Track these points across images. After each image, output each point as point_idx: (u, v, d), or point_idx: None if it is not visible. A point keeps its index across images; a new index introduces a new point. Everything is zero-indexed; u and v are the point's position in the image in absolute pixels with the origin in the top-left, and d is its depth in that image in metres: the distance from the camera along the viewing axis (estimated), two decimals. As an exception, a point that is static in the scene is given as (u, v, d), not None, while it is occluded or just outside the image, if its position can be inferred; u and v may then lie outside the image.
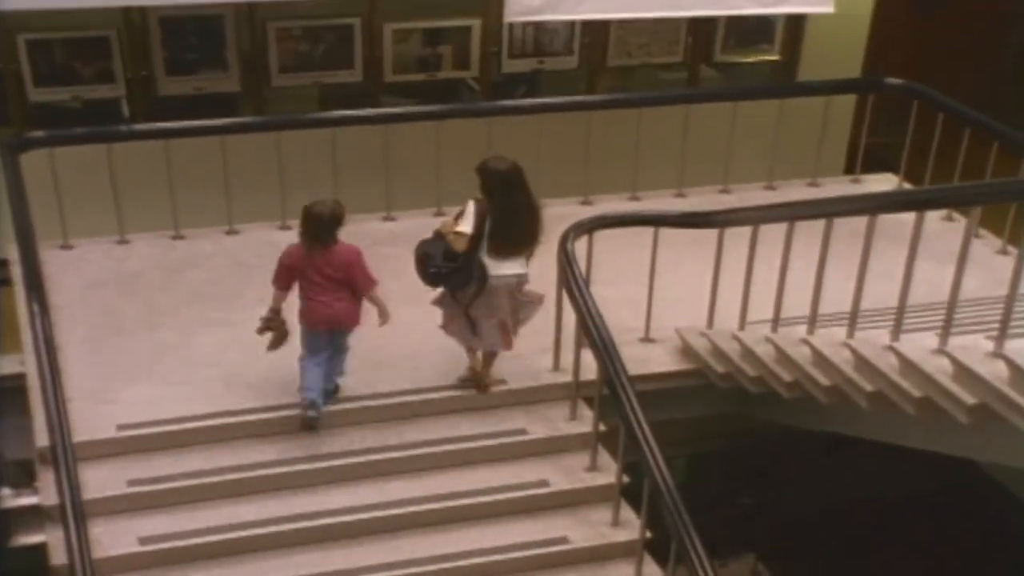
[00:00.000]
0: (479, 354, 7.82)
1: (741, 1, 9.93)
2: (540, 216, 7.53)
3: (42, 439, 6.77)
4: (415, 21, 11.47)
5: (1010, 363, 5.35)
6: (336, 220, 7.38)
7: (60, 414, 6.46)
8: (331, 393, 7.62)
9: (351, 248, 7.50)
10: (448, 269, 7.52)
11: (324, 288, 7.40)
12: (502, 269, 7.43)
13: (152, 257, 9.45)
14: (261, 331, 7.50)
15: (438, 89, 11.67)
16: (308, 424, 7.43)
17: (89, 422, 7.16)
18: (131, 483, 7.02)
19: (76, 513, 6.05)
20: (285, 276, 7.49)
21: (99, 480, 6.92)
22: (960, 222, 9.50)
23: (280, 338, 7.52)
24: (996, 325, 5.70)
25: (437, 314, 8.19)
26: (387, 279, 9.01)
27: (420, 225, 9.87)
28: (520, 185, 7.54)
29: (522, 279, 7.51)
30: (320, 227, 7.35)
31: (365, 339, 8.00)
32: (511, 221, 7.45)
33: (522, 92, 12.04)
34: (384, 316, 7.56)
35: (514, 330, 7.69)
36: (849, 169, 11.38)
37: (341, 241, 7.46)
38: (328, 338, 7.53)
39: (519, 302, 7.59)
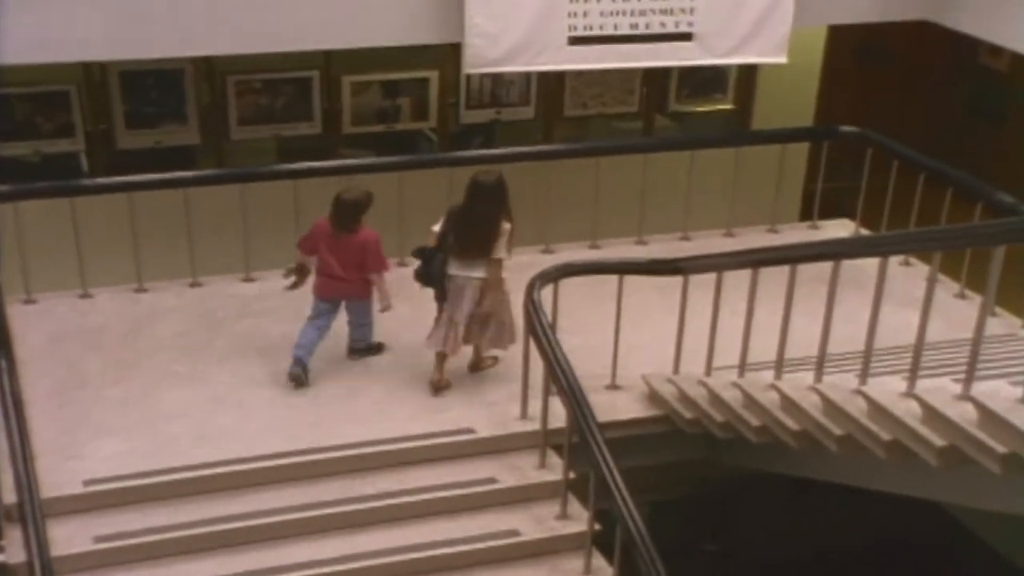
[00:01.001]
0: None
1: (694, 52, 10.00)
2: (493, 230, 8.06)
3: (8, 496, 6.69)
4: (373, 73, 11.55)
5: (978, 405, 5.40)
6: (358, 208, 8.36)
7: (28, 472, 6.39)
8: (365, 351, 8.70)
9: (370, 233, 8.42)
10: (419, 264, 8.41)
11: (337, 266, 8.35)
12: (454, 270, 8.19)
13: (116, 311, 9.41)
14: (287, 274, 8.62)
15: (397, 140, 11.73)
16: (292, 378, 8.27)
17: (55, 478, 7.07)
18: (98, 539, 6.95)
19: (44, 571, 5.98)
20: (309, 244, 8.50)
21: (65, 537, 6.85)
22: (918, 267, 9.67)
23: (301, 281, 8.58)
24: (962, 368, 5.76)
25: (405, 363, 8.27)
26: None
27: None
28: (483, 196, 8.13)
29: (472, 283, 8.12)
30: (343, 213, 8.32)
31: (335, 388, 8.05)
32: (462, 227, 8.17)
33: (479, 142, 12.12)
34: (384, 301, 8.44)
35: (477, 342, 8.37)
36: (806, 215, 11.51)
37: (364, 227, 8.37)
38: (330, 307, 8.48)
39: (487, 317, 8.16)
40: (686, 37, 9.85)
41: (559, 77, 11.95)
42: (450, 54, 11.02)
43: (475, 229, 8.10)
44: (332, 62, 11.28)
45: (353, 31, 9.21)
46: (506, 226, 8.12)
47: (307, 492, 7.34)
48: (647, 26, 9.69)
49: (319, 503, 7.24)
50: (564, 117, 12.36)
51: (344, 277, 8.40)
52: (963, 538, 8.32)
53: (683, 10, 9.70)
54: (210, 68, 11.02)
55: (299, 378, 8.27)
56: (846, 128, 10.91)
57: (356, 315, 8.65)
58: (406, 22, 9.29)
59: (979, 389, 5.53)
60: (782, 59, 10.18)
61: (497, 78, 11.79)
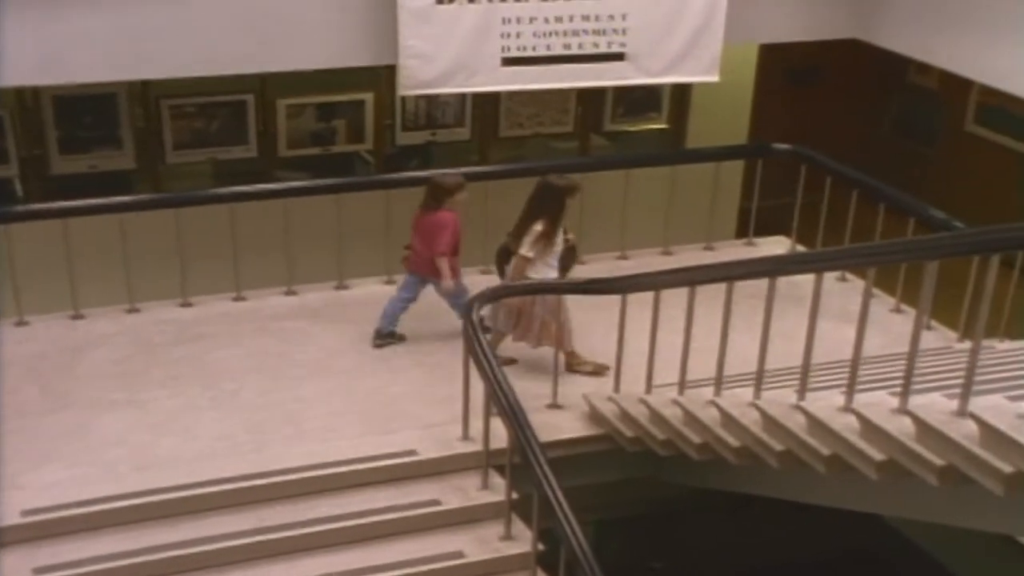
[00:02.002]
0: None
1: (628, 71, 10.07)
2: (523, 227, 8.57)
3: (-54, 528, 6.63)
4: (308, 96, 11.53)
5: (915, 418, 5.46)
6: (437, 188, 8.99)
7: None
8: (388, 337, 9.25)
9: (445, 215, 8.95)
10: None
11: (416, 242, 9.05)
12: None
13: (52, 337, 9.31)
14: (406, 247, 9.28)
15: (333, 162, 11.72)
16: (373, 344, 9.16)
17: (-7, 508, 7.01)
18: (37, 571, 6.83)
19: (-16, 603, 5.93)
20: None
21: (5, 568, 6.76)
22: (854, 282, 9.78)
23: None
24: (899, 381, 5.82)
25: (346, 387, 8.25)
26: (293, 352, 9.08)
27: (321, 298, 9.98)
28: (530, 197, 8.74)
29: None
30: (427, 192, 9.02)
31: (276, 412, 8.02)
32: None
33: (416, 164, 12.13)
34: (444, 279, 8.93)
35: (518, 338, 8.66)
36: (742, 233, 11.61)
37: (445, 210, 8.92)
38: (412, 281, 9.20)
39: (517, 314, 8.56)
40: (619, 57, 9.91)
41: (494, 98, 11.99)
42: (385, 76, 11.05)
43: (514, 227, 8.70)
44: (267, 85, 11.26)
45: (287, 54, 9.19)
46: (536, 227, 8.42)
47: (250, 518, 7.27)
48: (580, 46, 9.74)
49: (263, 528, 7.18)
50: (500, 138, 12.40)
51: (419, 253, 9.04)
52: (907, 550, 8.42)
53: (616, 31, 9.76)
54: (144, 92, 10.96)
55: (377, 344, 9.14)
56: (779, 146, 11.01)
57: (445, 295, 9.13)
58: (340, 45, 9.29)
59: (916, 402, 5.58)
60: (714, 78, 10.27)
61: (432, 99, 11.82)
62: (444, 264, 8.90)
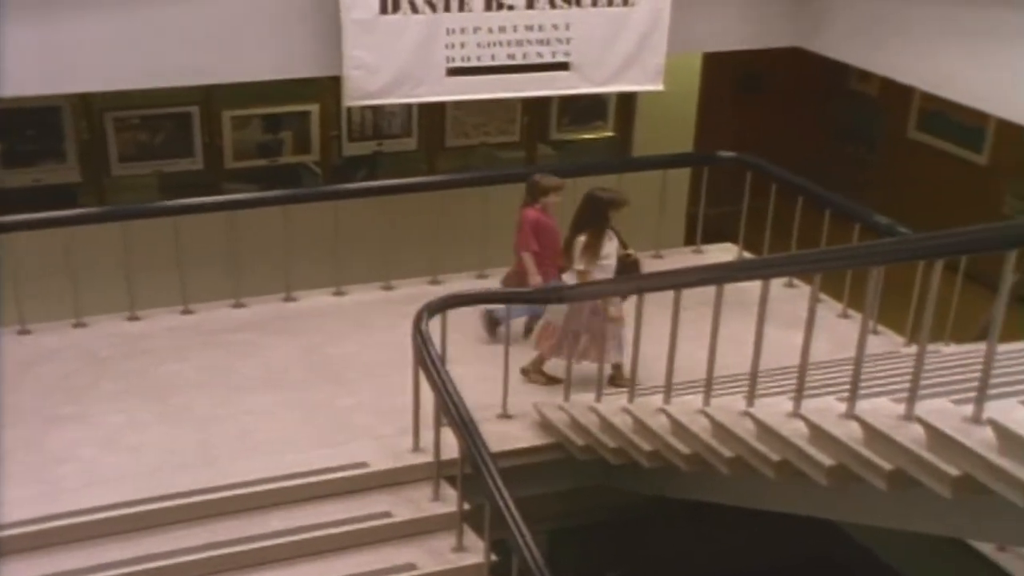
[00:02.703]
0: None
1: (573, 80, 10.11)
2: (568, 241, 8.73)
3: None
4: (254, 108, 11.50)
5: (863, 423, 5.50)
6: (532, 186, 9.32)
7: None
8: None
9: (528, 212, 9.25)
10: None
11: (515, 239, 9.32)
12: None
13: (-2, 353, 9.23)
14: None
15: (280, 174, 11.68)
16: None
17: (-61, 528, 6.92)
18: (-16, 589, 6.83)
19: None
20: None
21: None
22: (801, 288, 9.84)
23: None
24: (846, 386, 5.86)
25: (296, 401, 8.22)
26: (242, 365, 9.04)
27: (270, 310, 9.93)
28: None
29: None
30: (525, 190, 9.35)
31: (226, 426, 7.98)
32: None
33: (363, 174, 12.12)
34: (531, 276, 9.03)
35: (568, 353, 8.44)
36: (690, 240, 11.66)
37: (534, 208, 9.21)
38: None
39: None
40: (563, 67, 9.95)
41: (440, 108, 12.01)
42: (330, 87, 11.02)
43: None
44: (212, 97, 11.22)
45: (232, 66, 9.17)
46: (580, 239, 8.52)
47: (201, 533, 7.22)
48: (524, 56, 9.77)
49: (214, 544, 7.12)
50: (447, 148, 12.42)
51: (516, 250, 9.29)
52: (863, 557, 8.47)
53: (560, 40, 9.80)
54: (88, 105, 10.89)
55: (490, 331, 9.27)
56: (725, 153, 11.08)
57: None
58: (285, 56, 9.27)
59: (863, 407, 5.62)
60: (659, 87, 10.33)
61: (378, 110, 11.83)
62: (528, 261, 9.08)
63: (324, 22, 9.15)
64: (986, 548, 7.77)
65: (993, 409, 4.74)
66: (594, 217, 8.58)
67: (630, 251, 8.79)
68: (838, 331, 8.82)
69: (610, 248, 8.59)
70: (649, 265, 10.46)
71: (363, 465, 7.77)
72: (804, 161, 12.35)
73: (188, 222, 9.77)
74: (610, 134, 13.00)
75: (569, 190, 10.56)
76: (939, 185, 14.01)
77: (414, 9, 9.33)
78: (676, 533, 9.52)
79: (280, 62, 9.32)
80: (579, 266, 8.47)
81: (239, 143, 11.51)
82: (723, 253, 11.14)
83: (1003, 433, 4.54)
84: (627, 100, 12.71)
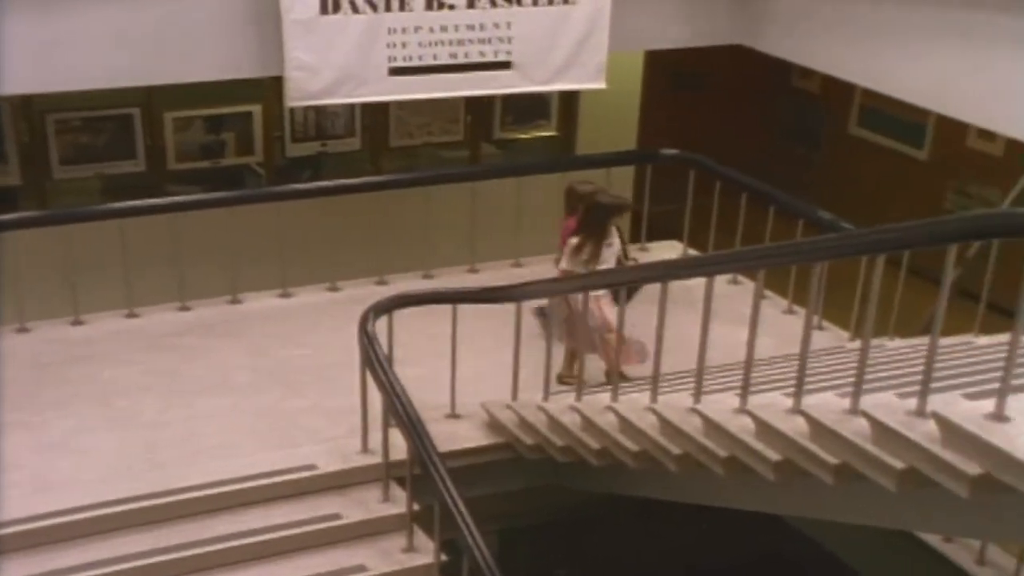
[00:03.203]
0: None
1: (515, 79, 10.12)
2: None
3: None
4: (195, 109, 11.43)
5: (809, 418, 5.54)
6: (569, 194, 9.23)
7: None
8: None
9: (569, 223, 9.03)
10: None
11: None
12: None
13: (-63, 361, 9.12)
14: None
15: (223, 175, 11.62)
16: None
17: None
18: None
19: None
20: None
21: None
22: (745, 285, 9.91)
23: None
24: (792, 382, 5.90)
25: (244, 404, 8.18)
26: (188, 368, 8.99)
27: (215, 314, 9.89)
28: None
29: None
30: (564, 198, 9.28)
31: (173, 430, 7.92)
32: None
33: (307, 175, 12.09)
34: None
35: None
36: (635, 238, 11.69)
37: (572, 218, 9.01)
38: None
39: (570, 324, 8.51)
40: (505, 66, 9.94)
41: (383, 108, 12.00)
42: (273, 87, 10.96)
43: None
44: (153, 98, 11.14)
45: (172, 66, 9.08)
46: (572, 240, 8.52)
47: (150, 538, 7.17)
48: (466, 55, 9.76)
49: (163, 548, 7.08)
50: (390, 148, 12.41)
51: None
52: (814, 552, 8.54)
53: (501, 39, 9.80)
54: (28, 106, 10.78)
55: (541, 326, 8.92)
56: (668, 151, 11.13)
57: None
58: (226, 57, 9.21)
59: (809, 402, 5.66)
60: (601, 85, 10.35)
61: (321, 110, 11.80)
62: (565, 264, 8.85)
63: (265, 23, 9.09)
64: (933, 540, 7.87)
65: (936, 402, 4.79)
66: (591, 221, 8.58)
67: (634, 257, 8.80)
68: (783, 327, 8.88)
69: (608, 253, 8.57)
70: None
71: (312, 467, 7.75)
72: (748, 158, 12.43)
73: (131, 225, 9.70)
74: (553, 133, 13.05)
75: (515, 189, 10.63)
76: (881, 181, 14.17)
77: (355, 9, 9.30)
78: (626, 531, 9.56)
79: (221, 63, 9.25)
80: (562, 265, 8.50)
81: (181, 145, 11.45)
82: (668, 251, 11.19)
83: (946, 426, 4.59)
84: (570, 99, 12.75)
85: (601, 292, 8.23)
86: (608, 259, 8.54)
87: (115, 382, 8.78)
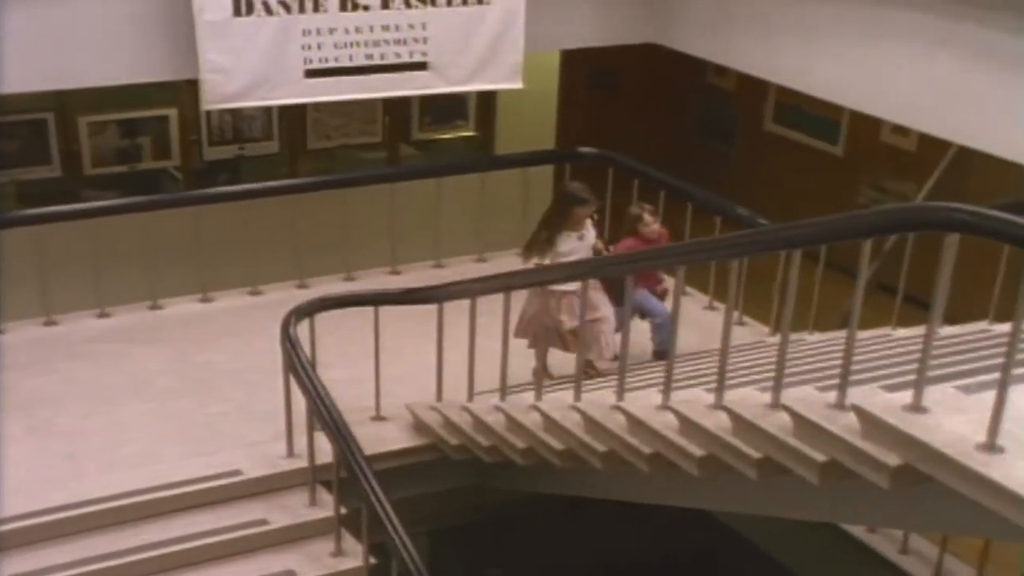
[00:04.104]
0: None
1: (430, 80, 10.12)
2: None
3: None
4: (110, 113, 11.30)
5: (731, 413, 5.60)
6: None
7: None
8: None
9: (626, 242, 8.77)
10: None
11: None
12: None
13: None
14: None
15: (140, 180, 11.50)
16: None
17: None
18: None
19: None
20: None
21: None
22: (666, 281, 9.96)
23: None
24: (714, 377, 5.96)
25: (166, 409, 8.12)
26: (108, 375, 8.90)
27: (135, 320, 9.81)
28: None
29: None
30: None
31: (95, 439, 7.85)
32: None
33: (226, 179, 11.99)
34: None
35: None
36: (555, 237, 11.73)
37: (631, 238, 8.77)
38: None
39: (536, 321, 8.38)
40: (421, 67, 9.93)
41: (300, 110, 11.92)
42: (188, 90, 10.88)
43: None
44: (67, 102, 11.00)
45: (85, 70, 8.97)
46: (541, 234, 8.37)
47: (72, 549, 7.09)
48: (382, 56, 9.74)
49: (86, 559, 7.00)
50: (309, 150, 12.35)
51: None
52: (742, 547, 8.62)
53: (416, 40, 9.79)
54: (-63, 113, 10.63)
55: None
56: (586, 150, 11.20)
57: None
58: (138, 60, 9.10)
59: (731, 397, 5.72)
60: (518, 84, 10.38)
61: (238, 113, 11.70)
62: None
63: (178, 25, 9.00)
64: (857, 531, 7.99)
65: (856, 395, 4.86)
66: (555, 211, 8.48)
67: (607, 248, 8.69)
68: (705, 323, 8.97)
69: (575, 246, 8.38)
70: (516, 263, 10.54)
71: (237, 473, 7.72)
72: (665, 156, 12.55)
73: (48, 231, 9.58)
74: (472, 133, 13.05)
75: (434, 191, 10.63)
76: (797, 177, 14.34)
77: (268, 11, 9.25)
78: (558, 529, 9.59)
79: (135, 66, 9.14)
80: (535, 260, 8.42)
81: (97, 149, 11.30)
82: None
83: (866, 418, 4.65)
84: (487, 99, 12.75)
85: (572, 287, 8.08)
86: (579, 251, 8.37)
87: (35, 391, 8.67)
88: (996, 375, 4.24)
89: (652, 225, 8.75)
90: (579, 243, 8.38)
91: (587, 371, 7.95)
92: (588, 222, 8.50)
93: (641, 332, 8.39)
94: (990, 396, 4.21)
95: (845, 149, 14.25)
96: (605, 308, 8.26)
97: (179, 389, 8.78)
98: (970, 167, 10.27)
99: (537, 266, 8.37)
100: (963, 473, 4.14)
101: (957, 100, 8.09)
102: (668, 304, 8.56)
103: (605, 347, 8.23)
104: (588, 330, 7.91)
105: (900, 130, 12.67)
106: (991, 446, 4.16)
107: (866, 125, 12.69)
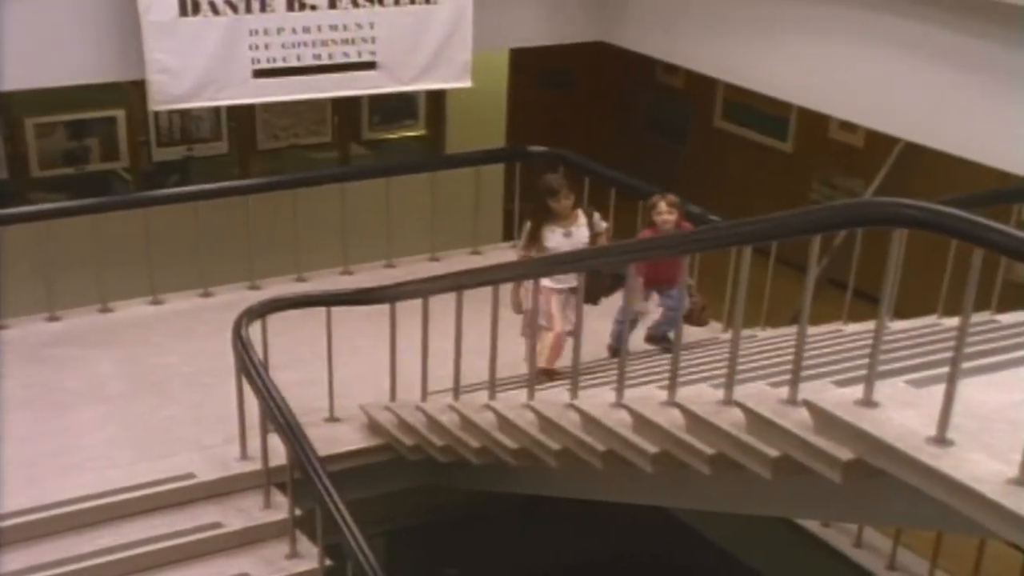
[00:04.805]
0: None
1: (380, 80, 10.11)
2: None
3: None
4: (57, 114, 11.22)
5: (684, 410, 5.63)
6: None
7: None
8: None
9: (644, 233, 8.36)
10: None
11: None
12: None
13: None
14: None
15: (89, 182, 11.43)
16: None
17: None
18: None
19: None
20: None
21: None
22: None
23: None
24: (667, 375, 5.98)
25: (117, 413, 8.06)
26: (61, 379, 8.84)
27: (86, 323, 9.73)
28: None
29: None
30: None
31: (48, 444, 7.79)
32: None
33: (176, 180, 11.93)
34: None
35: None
36: (507, 236, 11.76)
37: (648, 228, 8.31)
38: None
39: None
40: (370, 66, 9.92)
41: (249, 110, 11.90)
42: (136, 91, 10.82)
43: None
44: (13, 104, 10.91)
45: (31, 71, 8.89)
46: (526, 225, 8.26)
47: (27, 555, 7.02)
48: (330, 56, 9.72)
49: (40, 565, 6.93)
50: (258, 150, 12.31)
51: None
52: (697, 545, 8.66)
53: (365, 39, 9.77)
54: None
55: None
56: (536, 148, 11.20)
57: None
58: (85, 60, 9.04)
59: (684, 394, 5.75)
60: (467, 83, 10.39)
61: (187, 114, 11.66)
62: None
63: (124, 25, 8.95)
64: (812, 525, 8.05)
65: (807, 390, 4.90)
66: (536, 207, 8.27)
67: (599, 236, 8.38)
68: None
69: (559, 242, 8.14)
70: (467, 262, 10.57)
71: (190, 476, 7.67)
72: (616, 154, 12.59)
73: (-5, 235, 9.52)
74: (422, 133, 13.05)
75: (385, 191, 10.61)
76: (748, 173, 14.43)
77: (215, 11, 9.20)
78: (514, 529, 9.60)
79: (82, 67, 9.08)
80: (521, 251, 8.30)
81: (44, 151, 11.23)
82: (541, 247, 11.23)
83: (817, 413, 4.70)
84: (437, 98, 12.76)
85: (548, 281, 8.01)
86: (563, 248, 8.06)
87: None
88: (946, 369, 4.29)
89: (665, 215, 8.19)
90: (564, 239, 8.15)
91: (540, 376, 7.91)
92: (581, 217, 8.31)
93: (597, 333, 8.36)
94: (940, 390, 4.26)
95: (795, 146, 14.35)
96: (559, 318, 8.09)
97: (131, 392, 8.72)
98: (917, 163, 10.35)
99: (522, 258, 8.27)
100: (914, 466, 4.19)
101: (903, 97, 8.17)
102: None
103: (539, 353, 7.94)
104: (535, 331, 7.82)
105: (848, 127, 12.78)
106: (941, 439, 4.21)
107: (815, 122, 12.79)
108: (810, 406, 4.75)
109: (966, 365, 4.38)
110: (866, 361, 4.62)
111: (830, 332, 7.71)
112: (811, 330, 5.20)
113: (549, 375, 7.96)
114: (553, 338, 8.05)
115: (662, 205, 8.21)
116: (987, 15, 7.43)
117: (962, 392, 4.26)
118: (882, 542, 7.96)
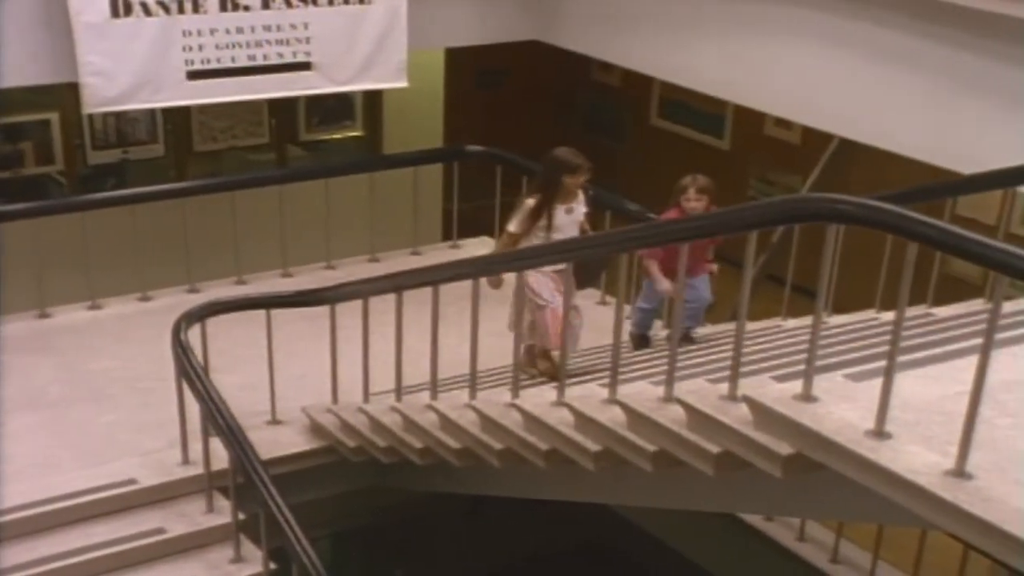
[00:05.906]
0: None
1: (316, 80, 10.08)
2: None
3: None
4: (-10, 118, 11.12)
5: (625, 407, 5.66)
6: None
7: None
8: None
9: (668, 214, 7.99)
10: None
11: None
12: None
13: None
14: None
15: (23, 186, 11.32)
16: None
17: None
18: None
19: None
20: None
21: None
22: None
23: None
24: (607, 372, 6.01)
25: (59, 417, 7.98)
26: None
27: (22, 329, 9.64)
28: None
29: None
30: None
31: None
32: None
33: (113, 183, 11.84)
34: (656, 284, 7.98)
35: None
36: (447, 235, 11.76)
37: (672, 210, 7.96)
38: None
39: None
40: (305, 67, 9.89)
41: (186, 112, 11.84)
42: (70, 94, 10.72)
43: None
44: (-56, 109, 10.81)
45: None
46: (528, 201, 7.77)
47: (-35, 566, 7.01)
48: (265, 57, 9.68)
49: (-21, 576, 6.93)
50: (195, 152, 12.25)
51: None
52: (642, 540, 8.71)
53: (299, 40, 9.74)
54: None
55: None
56: (473, 148, 11.21)
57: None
58: (18, 62, 8.91)
59: (624, 391, 5.78)
60: (403, 83, 10.38)
61: (122, 116, 11.59)
62: (650, 266, 7.99)
63: (56, 27, 8.87)
64: (755, 519, 8.12)
65: (747, 386, 4.94)
66: (545, 179, 7.88)
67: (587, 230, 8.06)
68: (597, 318, 9.01)
69: (564, 220, 7.82)
70: (407, 263, 10.56)
71: (131, 482, 7.60)
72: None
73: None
74: (360, 133, 13.05)
75: (321, 192, 10.57)
76: (686, 171, 14.36)
77: (147, 12, 9.13)
78: (459, 528, 9.61)
79: (13, 69, 8.93)
80: (509, 227, 7.84)
81: (-23, 156, 11.15)
82: (480, 247, 11.24)
83: (757, 408, 4.74)
84: (374, 99, 12.76)
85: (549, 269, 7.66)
86: (566, 228, 7.81)
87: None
88: (883, 362, 4.35)
89: (693, 202, 7.76)
90: (567, 217, 7.84)
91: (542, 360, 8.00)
92: (580, 193, 8.01)
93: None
94: (878, 383, 4.32)
95: (732, 143, 14.46)
96: (548, 296, 7.80)
97: (71, 398, 8.65)
98: (853, 158, 10.46)
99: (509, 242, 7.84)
100: (853, 459, 4.24)
101: (833, 93, 8.27)
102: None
103: (544, 336, 7.83)
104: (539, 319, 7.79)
105: (784, 123, 12.89)
106: (879, 432, 4.27)
107: (751, 119, 12.88)
108: (750, 402, 4.79)
109: (903, 359, 4.44)
110: (805, 356, 4.67)
111: (769, 327, 7.78)
112: (750, 326, 5.25)
113: (550, 359, 7.91)
114: (552, 315, 7.76)
115: (692, 191, 7.86)
116: (913, 11, 7.54)
117: (899, 385, 4.32)
118: (825, 535, 8.04)
